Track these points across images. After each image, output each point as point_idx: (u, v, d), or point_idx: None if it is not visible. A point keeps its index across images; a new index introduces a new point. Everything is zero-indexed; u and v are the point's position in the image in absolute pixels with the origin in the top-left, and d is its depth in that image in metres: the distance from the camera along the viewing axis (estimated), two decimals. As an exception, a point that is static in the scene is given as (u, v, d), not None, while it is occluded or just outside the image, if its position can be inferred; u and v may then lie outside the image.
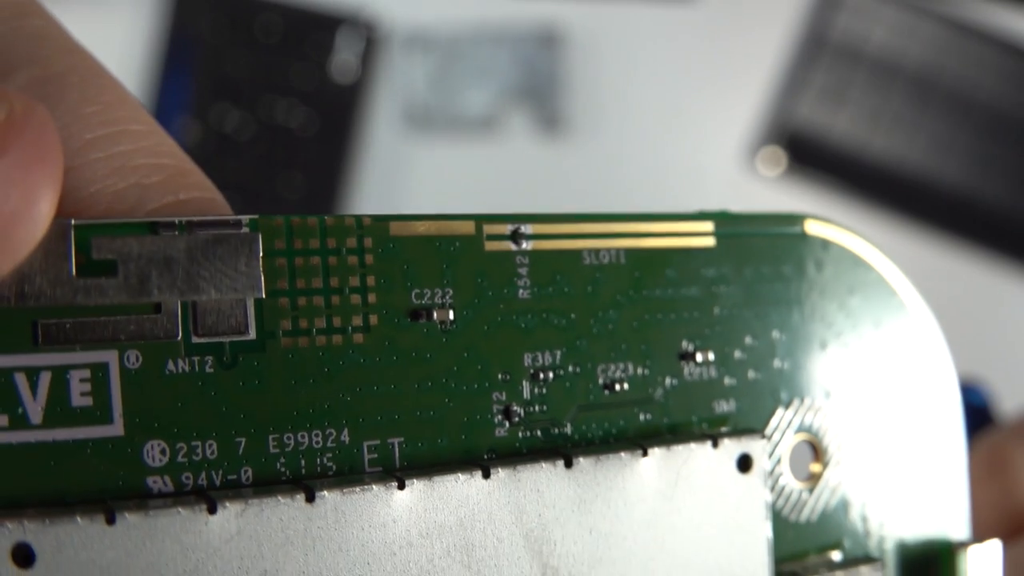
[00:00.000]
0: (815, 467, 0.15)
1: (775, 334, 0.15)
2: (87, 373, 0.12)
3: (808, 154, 0.58)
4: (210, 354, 0.13)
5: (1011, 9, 0.58)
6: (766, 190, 0.59)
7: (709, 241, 0.15)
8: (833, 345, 0.16)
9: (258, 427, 0.13)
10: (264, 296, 0.13)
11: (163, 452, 0.12)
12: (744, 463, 0.14)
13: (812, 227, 0.16)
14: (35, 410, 0.12)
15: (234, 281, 0.12)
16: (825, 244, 0.16)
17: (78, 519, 0.11)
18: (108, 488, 0.12)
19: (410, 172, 0.58)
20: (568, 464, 0.13)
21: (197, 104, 0.55)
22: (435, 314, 0.13)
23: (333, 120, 0.56)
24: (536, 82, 0.57)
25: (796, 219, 0.16)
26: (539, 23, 0.57)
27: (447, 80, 0.57)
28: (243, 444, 0.13)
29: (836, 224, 0.16)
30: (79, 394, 0.12)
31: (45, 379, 0.12)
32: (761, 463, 0.14)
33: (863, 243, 0.16)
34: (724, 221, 0.15)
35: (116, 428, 0.12)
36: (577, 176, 0.59)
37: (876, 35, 0.57)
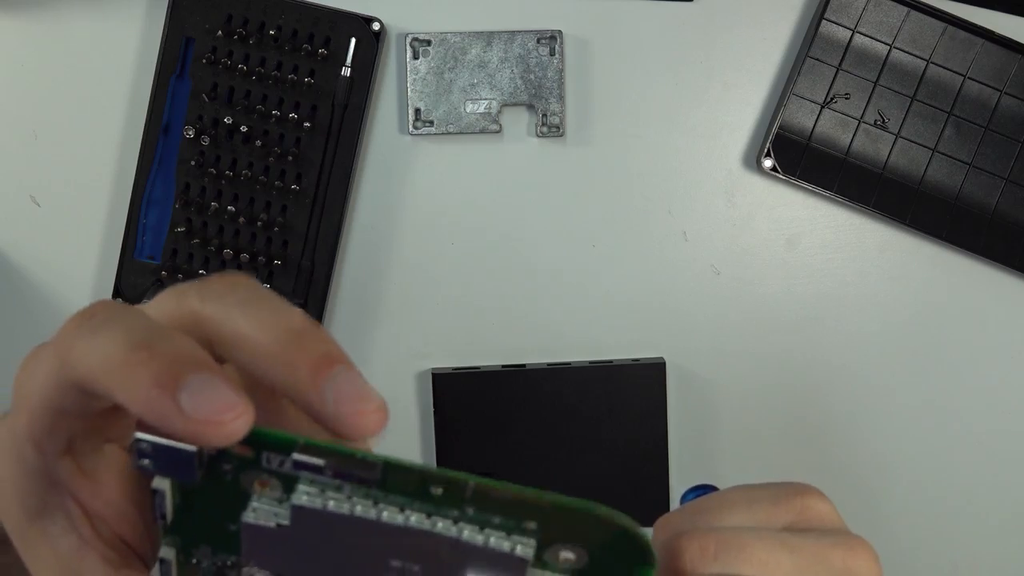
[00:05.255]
0: None
1: None
2: None
3: (808, 154, 0.58)
4: None
5: (1012, 14, 0.58)
6: (766, 189, 0.59)
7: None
8: None
9: None
10: None
11: None
12: None
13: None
14: None
15: None
16: None
17: None
18: None
19: (410, 172, 0.58)
20: None
21: (196, 104, 0.55)
22: None
23: (333, 120, 0.56)
24: (536, 82, 0.57)
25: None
26: (539, 23, 0.57)
27: (447, 80, 0.57)
28: None
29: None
30: None
31: None
32: None
33: None
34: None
35: None
36: (577, 176, 0.59)
37: (878, 35, 0.57)
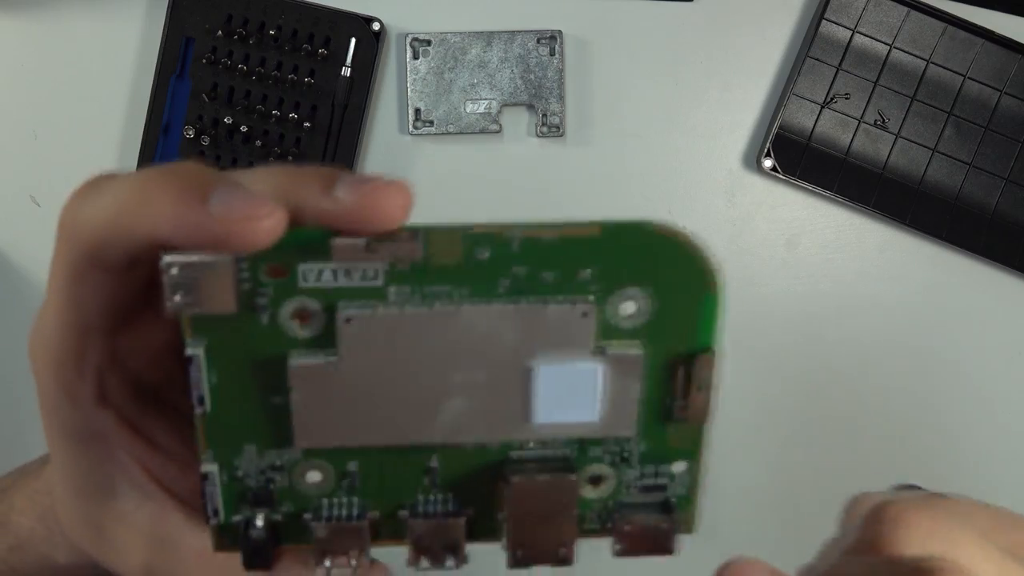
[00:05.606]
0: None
1: None
2: None
3: (808, 154, 0.58)
4: None
5: (1012, 14, 0.58)
6: (766, 189, 0.59)
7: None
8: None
9: None
10: None
11: None
12: None
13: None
14: None
15: None
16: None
17: None
18: None
19: (410, 172, 0.58)
20: None
21: (196, 104, 0.55)
22: None
23: (333, 120, 0.56)
24: (536, 82, 0.57)
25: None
26: (539, 23, 0.57)
27: (447, 80, 0.57)
28: None
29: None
30: None
31: None
32: None
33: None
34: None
35: None
36: (577, 176, 0.59)
37: (878, 35, 0.57)
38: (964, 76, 0.58)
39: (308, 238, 0.20)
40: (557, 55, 0.57)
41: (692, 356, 0.21)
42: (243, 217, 0.19)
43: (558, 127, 0.57)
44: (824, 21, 0.57)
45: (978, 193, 0.58)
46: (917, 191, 0.58)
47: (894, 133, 0.58)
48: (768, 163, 0.57)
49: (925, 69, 0.58)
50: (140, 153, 0.56)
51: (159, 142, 0.56)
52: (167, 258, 0.20)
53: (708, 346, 0.21)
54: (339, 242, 0.20)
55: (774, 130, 0.57)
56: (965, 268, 0.60)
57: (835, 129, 0.58)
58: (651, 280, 0.20)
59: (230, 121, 0.55)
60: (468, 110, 0.57)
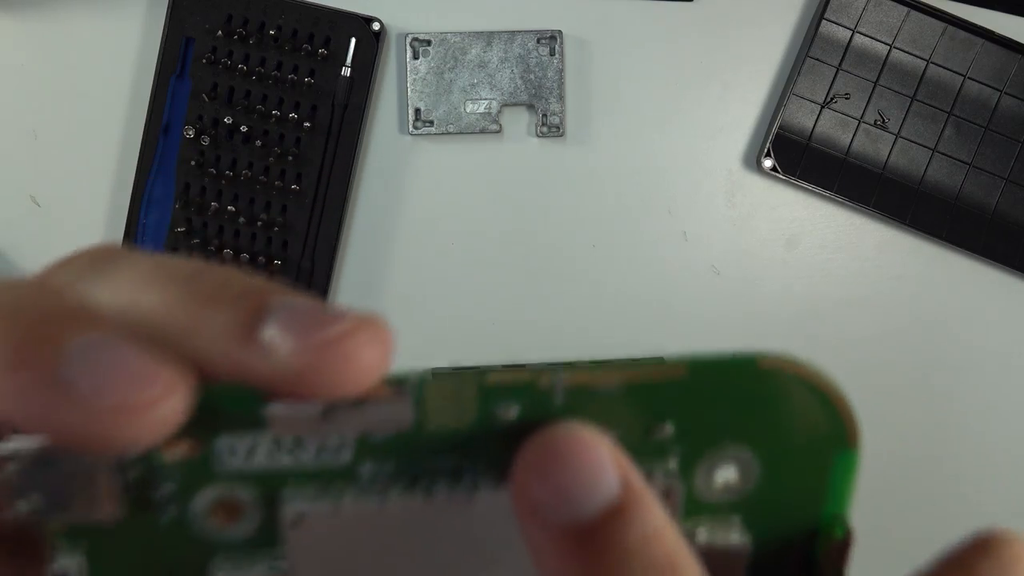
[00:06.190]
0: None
1: None
2: None
3: (808, 154, 0.58)
4: None
5: (1012, 14, 0.58)
6: (766, 189, 0.59)
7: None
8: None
9: None
10: None
11: None
12: None
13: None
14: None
15: None
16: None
17: None
18: None
19: (410, 172, 0.58)
20: None
21: (196, 104, 0.55)
22: None
23: (333, 120, 0.56)
24: (536, 82, 0.57)
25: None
26: (539, 23, 0.57)
27: (447, 80, 0.57)
28: None
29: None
30: None
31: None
32: None
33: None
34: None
35: None
36: (577, 176, 0.59)
37: (878, 35, 0.57)
38: (964, 76, 0.58)
39: (227, 401, 0.13)
40: (557, 55, 0.57)
41: (816, 538, 0.15)
42: (121, 406, 0.11)
43: (558, 127, 0.57)
44: (824, 21, 0.57)
45: (978, 193, 0.58)
46: (917, 191, 0.58)
47: (894, 133, 0.58)
48: (768, 163, 0.57)
49: (925, 69, 0.58)
50: (140, 154, 0.56)
51: (159, 142, 0.56)
52: (1, 447, 0.13)
53: (843, 524, 0.15)
54: (279, 411, 0.13)
55: (774, 130, 0.57)
56: (965, 268, 0.60)
57: (835, 129, 0.58)
58: (761, 435, 0.14)
59: (230, 121, 0.55)
60: (468, 110, 0.57)
